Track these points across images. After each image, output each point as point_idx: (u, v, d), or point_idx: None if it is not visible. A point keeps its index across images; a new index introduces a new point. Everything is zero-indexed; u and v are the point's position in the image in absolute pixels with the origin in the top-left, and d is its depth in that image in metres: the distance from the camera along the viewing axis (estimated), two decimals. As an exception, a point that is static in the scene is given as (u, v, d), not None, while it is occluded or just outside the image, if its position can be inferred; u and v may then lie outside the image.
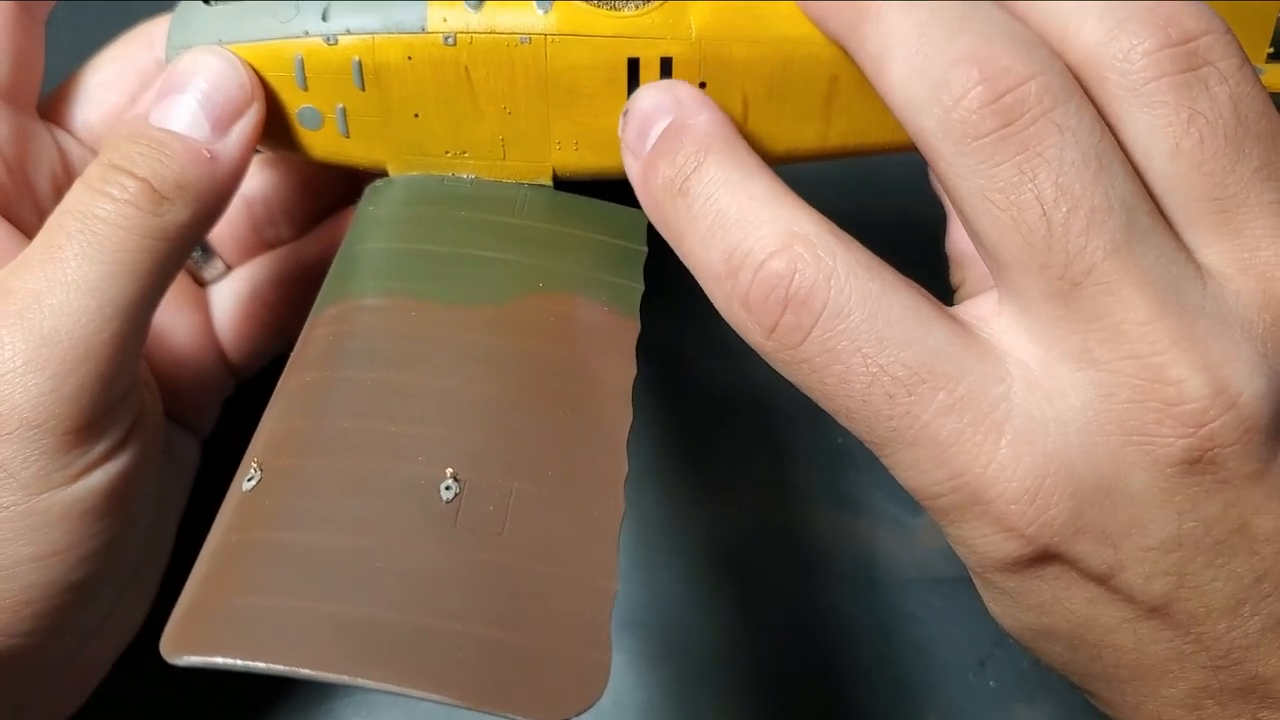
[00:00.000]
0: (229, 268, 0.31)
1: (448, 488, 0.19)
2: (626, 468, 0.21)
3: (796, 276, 0.20)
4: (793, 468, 0.33)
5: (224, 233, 0.31)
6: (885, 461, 0.21)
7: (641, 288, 0.24)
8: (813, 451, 0.34)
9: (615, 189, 0.26)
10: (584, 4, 0.24)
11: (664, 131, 0.23)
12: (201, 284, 0.31)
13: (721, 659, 0.32)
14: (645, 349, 0.23)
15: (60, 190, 0.26)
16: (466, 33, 0.24)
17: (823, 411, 0.21)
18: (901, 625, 0.32)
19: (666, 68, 0.24)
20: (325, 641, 0.17)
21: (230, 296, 0.31)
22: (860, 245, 0.21)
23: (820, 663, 0.31)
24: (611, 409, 0.22)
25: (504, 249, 0.24)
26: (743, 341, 0.22)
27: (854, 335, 0.20)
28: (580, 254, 0.25)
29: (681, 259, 0.23)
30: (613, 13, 0.24)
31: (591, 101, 0.25)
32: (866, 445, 0.21)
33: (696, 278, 0.22)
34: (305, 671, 0.16)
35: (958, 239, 0.26)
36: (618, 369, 0.22)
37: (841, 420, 0.21)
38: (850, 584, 0.32)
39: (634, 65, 0.24)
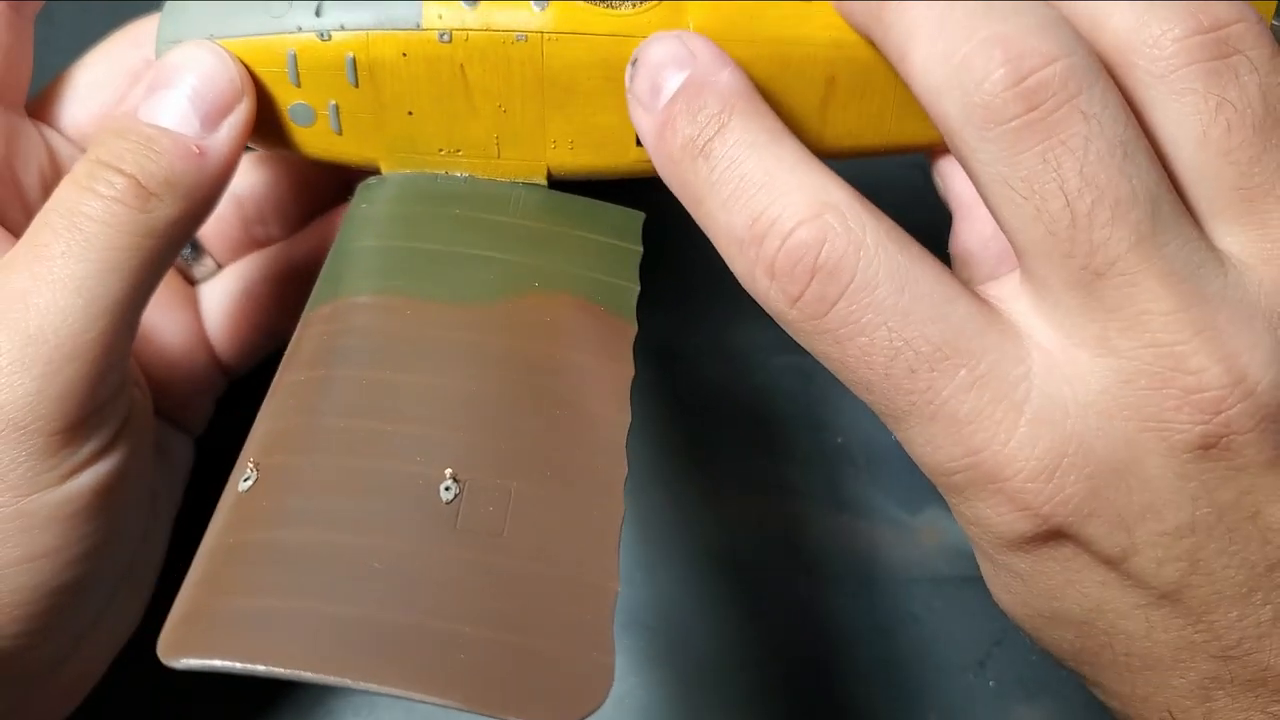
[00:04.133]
0: (219, 266, 0.31)
1: (447, 488, 0.19)
2: (626, 468, 0.20)
3: (826, 246, 0.20)
4: (793, 468, 0.33)
5: (214, 230, 0.30)
6: (899, 436, 0.21)
7: (637, 288, 0.24)
8: (813, 452, 0.34)
9: (610, 188, 0.26)
10: (581, 2, 0.24)
11: (682, 87, 0.22)
12: (192, 282, 0.31)
13: (722, 659, 0.31)
14: (644, 349, 0.23)
15: (49, 189, 0.26)
16: (462, 30, 0.24)
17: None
18: (901, 625, 0.32)
19: None
20: (325, 644, 0.17)
21: (221, 295, 0.31)
22: (888, 217, 0.21)
23: (820, 663, 0.31)
24: (610, 410, 0.21)
25: (499, 248, 0.24)
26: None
27: (880, 308, 0.20)
28: (576, 254, 0.25)
29: (699, 223, 0.22)
30: (610, 11, 0.24)
31: (588, 100, 0.25)
32: (881, 418, 0.21)
33: (714, 243, 0.22)
34: (305, 674, 0.16)
35: (963, 238, 0.26)
36: (615, 370, 0.22)
37: (859, 392, 0.21)
38: (850, 584, 0.32)
39: None
